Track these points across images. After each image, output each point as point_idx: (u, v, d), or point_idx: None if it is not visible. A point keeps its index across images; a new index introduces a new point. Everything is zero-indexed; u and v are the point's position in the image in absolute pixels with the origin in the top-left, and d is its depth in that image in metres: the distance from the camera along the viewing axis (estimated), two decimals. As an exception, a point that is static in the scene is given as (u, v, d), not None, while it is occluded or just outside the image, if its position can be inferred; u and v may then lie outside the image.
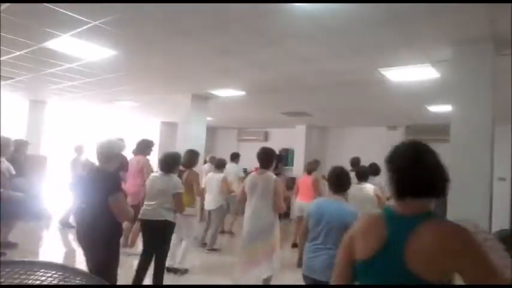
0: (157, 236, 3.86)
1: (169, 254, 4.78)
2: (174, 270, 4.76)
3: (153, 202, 3.84)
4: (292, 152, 10.70)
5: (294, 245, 6.51)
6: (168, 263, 4.77)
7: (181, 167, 4.79)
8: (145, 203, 3.95)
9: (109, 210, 2.76)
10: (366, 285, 1.34)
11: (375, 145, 9.46)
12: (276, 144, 11.32)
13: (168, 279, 4.59)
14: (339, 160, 9.08)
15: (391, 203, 1.40)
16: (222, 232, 7.37)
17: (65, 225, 6.91)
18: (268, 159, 3.86)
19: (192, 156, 4.97)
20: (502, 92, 4.42)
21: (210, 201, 6.17)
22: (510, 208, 7.26)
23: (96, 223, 2.78)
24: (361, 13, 3.04)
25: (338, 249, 1.48)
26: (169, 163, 3.91)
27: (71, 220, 6.69)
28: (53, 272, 1.05)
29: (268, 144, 12.35)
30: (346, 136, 10.37)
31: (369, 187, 4.70)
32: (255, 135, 12.06)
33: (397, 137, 9.44)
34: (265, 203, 3.68)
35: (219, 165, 6.44)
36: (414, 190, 1.30)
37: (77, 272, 1.09)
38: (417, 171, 1.31)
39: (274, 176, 3.78)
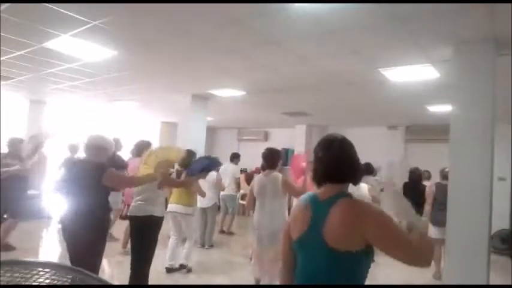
0: (144, 232, 3.82)
1: (168, 255, 4.83)
2: (175, 270, 4.80)
3: (138, 198, 3.82)
4: (292, 152, 10.69)
5: None
6: (168, 263, 4.82)
7: (178, 167, 4.82)
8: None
9: (96, 200, 2.86)
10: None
11: (375, 145, 9.46)
12: (276, 144, 11.32)
13: (169, 279, 4.63)
14: (339, 160, 9.09)
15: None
16: (222, 232, 7.41)
17: None
18: (274, 159, 3.92)
19: (189, 156, 4.99)
20: (502, 92, 4.42)
21: (205, 199, 6.23)
22: (510, 208, 7.27)
23: (84, 213, 2.85)
24: (361, 13, 3.04)
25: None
26: (140, 149, 3.95)
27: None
28: (53, 272, 1.05)
29: (268, 144, 12.36)
30: (346, 136, 10.31)
31: (363, 186, 4.75)
32: (255, 135, 12.06)
33: (397, 137, 9.45)
34: (276, 203, 3.78)
35: None
36: (328, 176, 1.53)
37: (77, 272, 1.09)
38: (328, 160, 1.53)
39: (280, 175, 3.85)
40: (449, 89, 3.74)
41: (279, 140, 11.41)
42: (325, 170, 1.53)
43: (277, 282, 3.67)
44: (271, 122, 10.42)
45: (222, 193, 7.26)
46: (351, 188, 1.58)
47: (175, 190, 4.84)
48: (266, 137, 11.99)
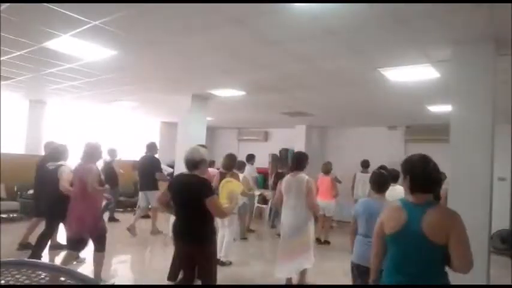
0: None
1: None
2: (220, 263, 5.17)
3: None
4: (292, 152, 10.69)
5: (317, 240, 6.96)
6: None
7: (222, 170, 5.36)
8: None
9: (204, 211, 3.02)
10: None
11: (375, 145, 9.46)
12: (276, 144, 11.33)
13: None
14: (339, 160, 9.11)
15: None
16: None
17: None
18: (302, 162, 4.37)
19: (232, 160, 5.49)
20: (502, 92, 4.42)
21: None
22: (510, 208, 7.26)
23: (195, 223, 3.07)
24: (361, 13, 3.04)
25: (374, 229, 2.24)
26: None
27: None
28: (46, 273, 1.04)
29: (268, 144, 12.35)
30: (346, 136, 10.36)
31: (399, 187, 4.74)
32: (255, 135, 12.06)
33: (397, 137, 9.45)
34: (300, 203, 4.17)
35: (240, 166, 6.86)
36: (422, 188, 2.00)
37: (70, 274, 1.08)
38: (425, 176, 2.00)
39: (307, 177, 4.23)
40: (449, 89, 3.74)
41: (279, 140, 11.42)
42: (423, 183, 2.00)
43: (295, 275, 4.25)
44: (271, 122, 10.42)
45: None
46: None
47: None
48: (266, 137, 11.98)
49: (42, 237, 4.84)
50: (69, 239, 4.07)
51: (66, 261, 4.06)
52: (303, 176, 4.25)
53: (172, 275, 4.09)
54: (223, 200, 3.76)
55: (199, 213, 3.03)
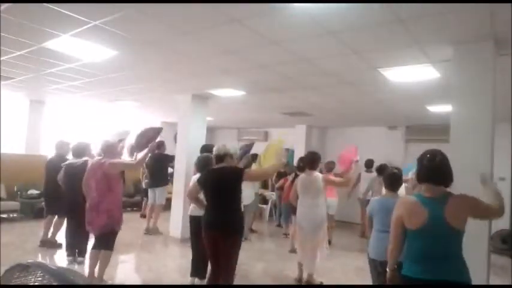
0: (198, 228, 4.13)
1: None
2: None
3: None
4: (292, 152, 10.68)
5: None
6: None
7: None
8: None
9: (236, 198, 3.41)
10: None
11: (375, 145, 9.45)
12: (276, 144, 11.32)
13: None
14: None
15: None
16: None
17: None
18: (315, 161, 4.64)
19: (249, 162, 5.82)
20: (502, 92, 4.42)
21: (243, 196, 6.42)
22: (510, 208, 7.25)
23: (229, 212, 3.36)
24: (361, 13, 3.04)
25: (391, 224, 2.36)
26: (204, 165, 4.22)
27: None
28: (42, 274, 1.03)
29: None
30: (346, 136, 10.35)
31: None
32: (255, 135, 12.04)
33: (397, 137, 9.45)
34: (318, 202, 4.45)
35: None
36: (430, 178, 2.20)
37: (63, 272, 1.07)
38: (435, 167, 2.20)
39: (321, 175, 4.55)
40: (449, 89, 3.74)
41: (279, 140, 11.38)
42: (429, 173, 2.20)
43: (315, 266, 4.54)
44: (271, 122, 10.42)
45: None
46: None
47: None
48: (266, 137, 11.96)
49: (83, 234, 4.73)
50: (100, 236, 4.02)
51: (106, 262, 4.07)
52: (318, 174, 4.53)
53: (194, 272, 4.29)
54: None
55: (231, 199, 3.37)
